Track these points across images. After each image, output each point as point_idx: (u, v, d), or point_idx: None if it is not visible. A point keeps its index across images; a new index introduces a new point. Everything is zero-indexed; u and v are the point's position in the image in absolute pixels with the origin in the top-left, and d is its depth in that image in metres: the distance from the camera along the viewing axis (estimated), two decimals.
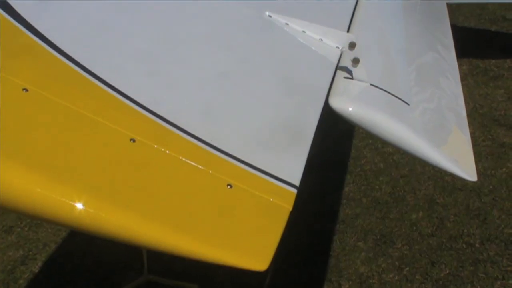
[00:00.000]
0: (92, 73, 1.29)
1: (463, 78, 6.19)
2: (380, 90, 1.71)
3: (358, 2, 2.07)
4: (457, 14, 7.51)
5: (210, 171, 1.24)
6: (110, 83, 1.29)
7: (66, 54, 1.32)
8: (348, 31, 1.91)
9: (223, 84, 1.48)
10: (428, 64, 2.14)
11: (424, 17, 2.59)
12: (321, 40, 1.76)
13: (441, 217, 4.36)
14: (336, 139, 5.13)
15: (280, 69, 1.64)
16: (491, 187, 4.79)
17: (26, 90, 1.18)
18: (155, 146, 1.22)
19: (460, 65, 6.44)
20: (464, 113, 1.97)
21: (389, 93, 1.72)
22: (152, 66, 1.43)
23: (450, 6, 6.82)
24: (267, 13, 1.77)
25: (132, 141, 1.21)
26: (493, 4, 7.59)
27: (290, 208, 1.27)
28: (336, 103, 1.61)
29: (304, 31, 1.76)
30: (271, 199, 1.25)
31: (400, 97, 1.73)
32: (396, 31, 2.19)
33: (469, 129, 5.43)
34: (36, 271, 4.03)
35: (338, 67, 1.73)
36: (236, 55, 1.62)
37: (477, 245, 4.11)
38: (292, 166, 1.34)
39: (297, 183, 1.31)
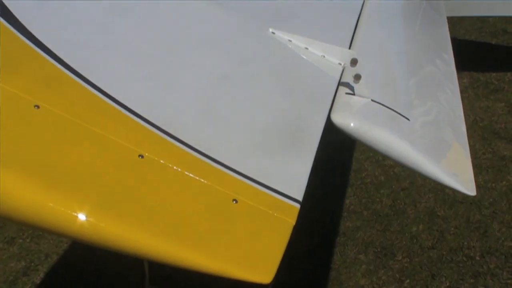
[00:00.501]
0: (101, 90, 1.33)
1: (463, 91, 6.25)
2: (381, 106, 1.74)
3: (360, 19, 2.10)
4: (458, 27, 7.55)
5: (217, 186, 1.27)
6: (119, 100, 1.32)
7: (74, 70, 1.35)
8: (350, 47, 1.94)
9: (227, 100, 1.51)
10: (428, 79, 2.17)
11: (425, 31, 2.62)
12: (324, 56, 1.79)
13: (442, 230, 4.38)
14: (337, 152, 5.16)
15: (283, 84, 1.68)
16: (491, 200, 4.81)
17: (38, 107, 1.21)
18: (163, 162, 1.25)
19: (460, 78, 6.49)
20: (463, 127, 1.99)
21: (390, 108, 1.75)
22: (158, 82, 1.46)
23: (451, 19, 6.87)
24: (270, 30, 1.81)
25: (140, 157, 1.24)
26: (494, 17, 7.63)
27: (294, 223, 1.29)
28: (338, 119, 1.64)
29: (307, 48, 1.80)
30: (275, 214, 1.28)
31: (400, 113, 1.76)
32: (397, 46, 2.22)
33: (470, 142, 5.45)
34: (38, 282, 4.04)
35: (340, 83, 1.76)
36: (241, 71, 1.65)
37: (477, 258, 4.13)
38: (295, 182, 1.37)
39: (300, 198, 1.34)
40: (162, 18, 1.74)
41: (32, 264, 4.18)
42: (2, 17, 1.47)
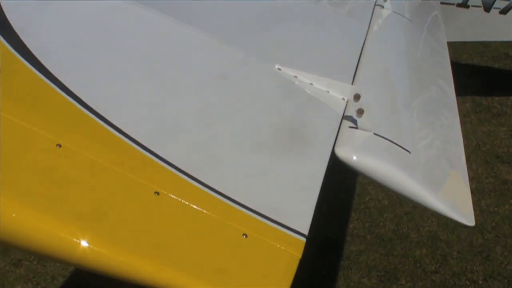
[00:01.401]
0: (122, 132, 1.39)
1: (466, 115, 6.32)
2: (383, 139, 1.80)
3: (362, 54, 2.18)
4: (461, 52, 7.64)
5: (228, 222, 1.34)
6: (136, 139, 1.39)
7: (91, 108, 1.42)
8: (353, 82, 2.01)
9: (235, 136, 1.58)
10: (429, 110, 2.23)
11: (426, 61, 2.69)
12: (328, 92, 1.86)
13: (445, 254, 4.42)
14: (340, 176, 5.21)
15: (289, 119, 1.74)
16: (494, 224, 4.85)
17: (60, 145, 1.28)
18: (177, 198, 1.32)
19: (463, 103, 6.57)
20: (463, 158, 2.05)
21: (391, 141, 1.81)
22: (171, 121, 1.52)
23: (453, 44, 6.95)
24: (276, 66, 1.88)
25: (156, 194, 1.31)
26: (496, 42, 7.71)
27: (300, 256, 1.35)
28: (341, 153, 1.71)
29: (311, 84, 1.87)
30: (282, 248, 1.34)
31: (401, 145, 1.82)
32: (398, 79, 2.29)
33: (472, 166, 5.52)
34: None
35: (343, 117, 1.82)
36: (247, 107, 1.72)
37: (480, 282, 4.17)
38: (301, 215, 1.43)
39: (306, 232, 1.40)
40: (173, 57, 1.81)
41: (39, 286, 4.22)
42: (20, 54, 1.55)
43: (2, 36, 1.59)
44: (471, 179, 5.36)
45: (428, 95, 2.35)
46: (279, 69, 1.87)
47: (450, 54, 7.25)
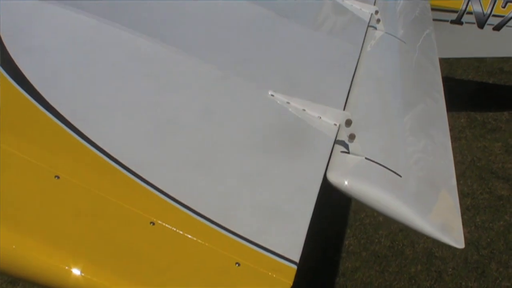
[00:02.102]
0: (122, 164, 1.42)
1: (461, 131, 6.36)
2: (374, 164, 1.84)
3: (354, 79, 2.22)
4: (455, 67, 7.69)
5: (221, 251, 1.37)
6: (133, 170, 1.42)
7: (89, 139, 1.46)
8: (345, 106, 2.05)
9: (228, 164, 1.61)
10: (421, 131, 2.27)
11: (418, 83, 2.73)
12: (320, 117, 1.90)
13: (440, 270, 4.45)
14: (336, 192, 5.24)
15: (281, 145, 1.77)
16: (489, 240, 4.88)
17: (58, 177, 1.32)
18: (172, 228, 1.35)
19: (458, 118, 6.61)
20: (454, 180, 2.09)
21: (382, 166, 1.85)
22: (166, 151, 1.56)
23: (448, 59, 7.01)
24: (269, 93, 1.91)
25: (151, 224, 1.34)
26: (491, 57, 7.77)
27: (291, 283, 1.39)
28: (333, 177, 1.74)
29: (304, 109, 1.90)
30: (274, 276, 1.38)
31: (392, 170, 1.85)
32: (390, 102, 2.33)
33: (467, 182, 5.55)
34: None
35: (335, 142, 1.86)
36: (241, 134, 1.75)
37: None
38: (292, 243, 1.46)
39: (297, 259, 1.43)
40: (166, 85, 1.84)
41: None
42: (19, 85, 1.58)
43: (1, 66, 1.63)
44: (466, 195, 5.43)
45: (420, 117, 2.39)
46: (272, 95, 1.91)
47: (445, 69, 7.34)
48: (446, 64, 7.19)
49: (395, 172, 1.85)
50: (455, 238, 1.84)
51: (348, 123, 1.85)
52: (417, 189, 1.93)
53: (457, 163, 5.90)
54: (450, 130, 6.48)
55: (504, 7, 6.28)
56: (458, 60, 7.71)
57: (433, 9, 4.92)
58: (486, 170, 5.74)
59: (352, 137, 1.83)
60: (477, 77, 7.71)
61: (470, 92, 7.27)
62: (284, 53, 2.35)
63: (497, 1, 6.28)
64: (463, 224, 4.91)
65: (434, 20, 4.64)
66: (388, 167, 1.85)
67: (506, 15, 6.29)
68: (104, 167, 1.41)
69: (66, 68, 1.76)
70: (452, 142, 6.08)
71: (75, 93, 1.65)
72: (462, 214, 5.09)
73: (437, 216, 1.89)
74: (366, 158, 1.84)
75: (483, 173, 5.70)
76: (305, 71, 2.22)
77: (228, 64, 2.06)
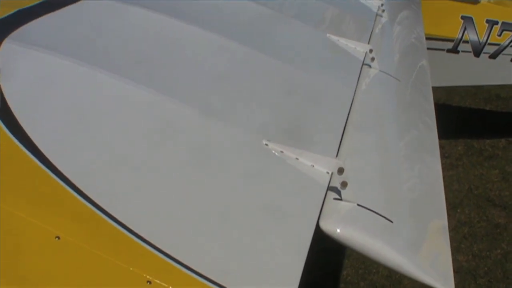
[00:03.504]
0: (123, 225, 1.46)
1: (458, 159, 6.42)
2: (366, 210, 1.89)
3: (347, 123, 2.27)
4: (453, 94, 7.76)
5: None
6: (135, 231, 1.46)
7: (89, 198, 1.50)
8: (338, 151, 2.10)
9: (220, 216, 1.65)
10: (413, 175, 2.31)
11: (412, 124, 2.78)
12: (313, 166, 1.95)
13: None
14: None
15: (275, 193, 1.82)
16: (486, 269, 4.92)
17: (59, 238, 1.37)
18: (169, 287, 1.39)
19: (455, 146, 6.65)
20: (445, 221, 2.13)
21: (374, 212, 1.89)
22: (161, 210, 1.59)
23: (445, 86, 7.07)
24: (263, 142, 1.96)
25: (148, 283, 1.38)
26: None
27: None
28: (325, 226, 1.79)
29: (297, 158, 1.95)
30: None
31: (384, 216, 1.90)
32: (383, 146, 2.38)
33: (465, 210, 5.59)
34: None
35: (328, 190, 1.91)
36: (235, 183, 1.80)
37: None
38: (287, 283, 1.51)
39: None
40: (160, 135, 1.89)
41: None
42: (20, 141, 1.63)
43: (2, 122, 1.68)
44: (463, 223, 5.46)
45: (412, 161, 2.43)
46: (266, 144, 1.96)
47: (442, 96, 7.41)
48: (443, 91, 7.27)
49: (386, 218, 1.90)
50: (444, 281, 1.88)
51: (341, 171, 1.90)
52: (408, 235, 1.97)
53: (454, 191, 5.97)
54: (447, 157, 6.56)
55: (500, 35, 6.36)
56: (455, 87, 7.78)
57: (429, 38, 4.98)
58: (483, 198, 5.79)
59: (344, 184, 1.88)
60: (474, 104, 7.78)
61: (467, 119, 7.34)
62: (277, 95, 2.40)
63: (493, 30, 6.37)
64: (460, 253, 4.95)
65: (430, 49, 4.72)
66: (380, 213, 1.90)
67: (502, 43, 6.37)
68: (104, 227, 1.44)
69: (65, 122, 1.81)
70: (449, 170, 6.16)
71: (76, 150, 1.69)
72: (460, 243, 5.15)
73: (428, 260, 1.93)
74: (358, 205, 1.89)
75: (480, 201, 5.74)
76: (299, 114, 2.27)
77: (220, 110, 2.11)
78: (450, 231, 2.16)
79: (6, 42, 2.12)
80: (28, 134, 1.65)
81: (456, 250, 4.96)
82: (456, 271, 4.71)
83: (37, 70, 2.05)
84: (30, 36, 2.24)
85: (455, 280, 4.49)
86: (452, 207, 5.50)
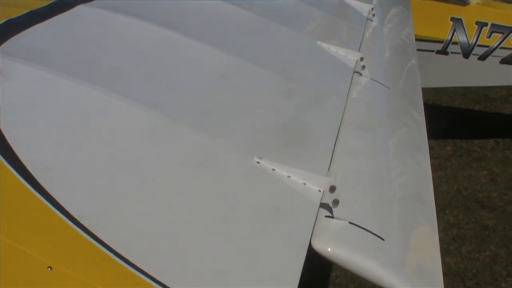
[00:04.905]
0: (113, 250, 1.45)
1: (447, 160, 6.45)
2: (358, 228, 1.89)
3: (338, 138, 2.27)
4: (442, 94, 7.80)
5: None
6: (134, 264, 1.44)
7: (86, 228, 1.48)
8: (329, 167, 2.10)
9: (214, 238, 1.65)
10: (404, 194, 2.30)
11: (403, 135, 2.79)
12: (305, 184, 1.95)
13: None
14: None
15: (267, 211, 1.82)
16: (474, 271, 4.95)
17: (51, 268, 1.35)
18: None
19: (444, 146, 6.68)
20: (436, 238, 2.13)
21: (365, 229, 1.90)
22: (159, 239, 1.58)
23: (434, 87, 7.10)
24: (255, 159, 1.96)
25: None
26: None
27: None
28: (317, 244, 1.79)
29: (289, 176, 1.94)
30: None
31: (375, 233, 1.90)
32: (374, 160, 2.39)
33: (453, 212, 5.61)
34: None
35: (320, 207, 1.90)
36: (225, 203, 1.79)
37: None
38: None
39: None
40: (154, 155, 1.87)
41: None
42: (25, 180, 1.60)
43: None
44: (452, 225, 5.49)
45: (403, 173, 2.44)
46: (258, 162, 1.95)
47: (431, 96, 7.43)
48: (432, 91, 7.30)
49: (378, 236, 1.90)
50: None
51: (332, 189, 1.90)
52: (400, 251, 1.98)
53: (443, 193, 6.00)
54: (436, 158, 6.58)
55: (489, 37, 6.39)
56: (444, 87, 7.82)
57: (418, 39, 5.00)
58: (472, 200, 5.83)
59: (336, 202, 1.88)
60: (463, 104, 7.82)
61: (456, 119, 7.38)
62: (268, 108, 2.39)
63: (482, 31, 6.40)
64: (449, 255, 4.96)
65: (420, 50, 4.73)
66: (371, 230, 1.90)
67: (491, 45, 6.41)
68: (100, 257, 1.42)
69: (59, 148, 1.78)
70: (438, 171, 6.18)
71: (71, 178, 1.66)
72: (448, 245, 5.17)
73: (419, 277, 1.94)
74: (349, 223, 1.89)
75: (469, 203, 5.78)
76: (290, 128, 2.26)
77: (209, 124, 2.10)
78: (439, 233, 2.17)
79: None
80: (19, 157, 1.63)
81: (445, 252, 4.99)
82: (444, 273, 4.74)
83: (30, 87, 2.02)
84: (21, 49, 2.21)
85: (443, 282, 4.52)
86: (440, 208, 5.53)
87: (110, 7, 2.78)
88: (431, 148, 2.77)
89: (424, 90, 3.55)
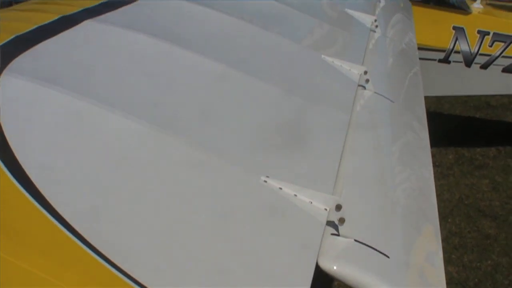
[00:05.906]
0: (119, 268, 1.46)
1: (449, 168, 6.47)
2: (363, 246, 1.91)
3: (343, 155, 2.29)
4: (443, 101, 7.82)
5: None
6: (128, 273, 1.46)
7: (94, 247, 1.50)
8: (335, 185, 2.12)
9: (223, 257, 1.67)
10: (408, 210, 2.32)
11: (408, 150, 2.81)
12: (311, 203, 1.97)
13: None
14: None
15: (274, 231, 1.84)
16: (476, 280, 4.97)
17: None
18: None
19: (446, 154, 6.70)
20: (440, 253, 2.15)
21: (371, 247, 1.92)
22: (165, 247, 1.60)
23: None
24: (262, 179, 1.97)
25: None
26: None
27: None
28: (323, 262, 1.81)
29: (295, 195, 1.96)
30: None
31: (381, 251, 1.92)
32: (379, 176, 2.40)
33: (455, 221, 5.63)
34: None
35: (326, 225, 1.93)
36: (234, 222, 1.81)
37: None
38: None
39: None
40: (159, 175, 1.89)
41: None
42: (21, 184, 1.62)
43: (2, 162, 1.66)
44: (454, 234, 5.50)
45: (407, 188, 2.46)
46: (265, 181, 1.97)
47: (432, 104, 7.45)
48: (434, 98, 7.32)
49: (383, 253, 1.92)
50: None
51: (338, 207, 1.92)
52: (404, 270, 2.00)
53: (445, 201, 6.01)
54: (438, 166, 6.59)
55: (491, 46, 6.42)
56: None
57: (421, 48, 5.02)
58: (474, 208, 5.85)
59: (342, 221, 1.91)
60: (465, 112, 7.84)
61: (458, 127, 7.40)
62: (273, 123, 2.40)
63: (484, 40, 6.43)
64: (451, 264, 4.97)
65: (422, 59, 4.75)
66: (376, 247, 1.92)
67: (493, 53, 6.43)
68: (108, 277, 1.45)
69: (67, 161, 1.80)
70: (440, 179, 6.19)
71: (81, 193, 1.67)
72: (450, 254, 5.18)
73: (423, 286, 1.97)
74: (355, 240, 1.91)
75: (471, 211, 5.80)
76: (296, 143, 2.27)
77: (213, 143, 2.11)
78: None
79: (5, 74, 2.10)
80: (31, 178, 1.64)
81: (446, 261, 5.01)
82: (446, 282, 4.76)
83: (40, 106, 2.03)
84: (29, 67, 2.23)
85: None
86: (442, 217, 5.55)
87: (116, 22, 2.80)
88: (433, 156, 2.79)
89: (426, 97, 3.57)
